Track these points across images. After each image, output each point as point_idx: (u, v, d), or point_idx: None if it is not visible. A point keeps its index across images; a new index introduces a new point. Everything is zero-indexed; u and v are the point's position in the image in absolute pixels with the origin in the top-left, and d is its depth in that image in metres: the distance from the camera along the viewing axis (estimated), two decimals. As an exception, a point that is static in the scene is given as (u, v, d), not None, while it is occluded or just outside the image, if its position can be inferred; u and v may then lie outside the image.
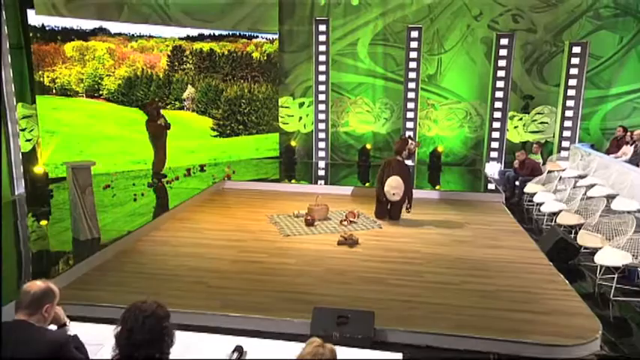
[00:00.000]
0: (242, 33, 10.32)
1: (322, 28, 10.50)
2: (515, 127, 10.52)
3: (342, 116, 11.04)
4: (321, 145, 10.92)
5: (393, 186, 6.65)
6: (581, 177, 7.53)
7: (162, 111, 8.53)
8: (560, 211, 6.34)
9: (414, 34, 10.29)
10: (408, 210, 6.88)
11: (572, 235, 5.79)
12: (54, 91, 8.34)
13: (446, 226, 6.61)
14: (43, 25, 8.05)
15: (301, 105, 11.13)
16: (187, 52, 9.67)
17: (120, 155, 9.06)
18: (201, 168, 9.42)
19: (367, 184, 8.91)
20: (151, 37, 9.23)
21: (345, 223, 6.62)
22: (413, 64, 10.43)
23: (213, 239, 6.00)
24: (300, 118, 11.17)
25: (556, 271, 5.07)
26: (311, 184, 9.10)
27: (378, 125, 10.97)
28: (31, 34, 7.94)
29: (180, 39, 9.57)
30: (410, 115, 10.61)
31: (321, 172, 10.38)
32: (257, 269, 5.12)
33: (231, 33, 10.18)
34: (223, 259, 5.36)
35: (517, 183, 8.20)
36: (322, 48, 10.58)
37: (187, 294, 4.54)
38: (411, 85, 10.51)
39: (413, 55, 10.40)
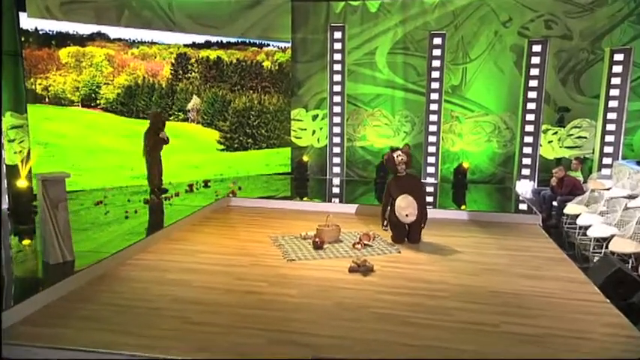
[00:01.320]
0: (252, 41, 9.69)
1: (338, 35, 9.81)
2: (549, 142, 9.59)
3: (359, 130, 10.26)
4: (336, 160, 10.14)
5: (403, 206, 5.81)
6: (631, 197, 6.58)
7: (165, 124, 7.89)
8: (613, 236, 5.41)
9: (437, 40, 9.53)
10: (422, 227, 6.06)
11: (629, 266, 4.86)
12: (47, 99, 7.76)
13: (475, 252, 5.73)
14: (36, 28, 7.51)
15: (315, 118, 10.40)
16: (192, 60, 9.06)
17: (118, 170, 8.41)
18: (205, 184, 8.71)
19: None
20: (153, 43, 8.64)
21: (359, 246, 5.78)
22: (436, 74, 9.64)
23: (208, 264, 5.22)
24: (314, 131, 10.43)
25: (616, 311, 4.14)
26: (324, 202, 8.27)
27: (398, 139, 10.15)
28: (22, 39, 7.40)
29: (185, 46, 8.96)
30: (432, 128, 9.79)
31: (336, 190, 9.58)
32: (251, 301, 4.31)
33: (240, 40, 9.55)
34: (215, 288, 4.57)
35: (554, 203, 7.27)
36: (338, 57, 9.88)
37: (161, 332, 3.75)
38: (434, 95, 9.71)
39: (436, 63, 9.62)
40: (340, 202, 8.47)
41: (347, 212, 7.50)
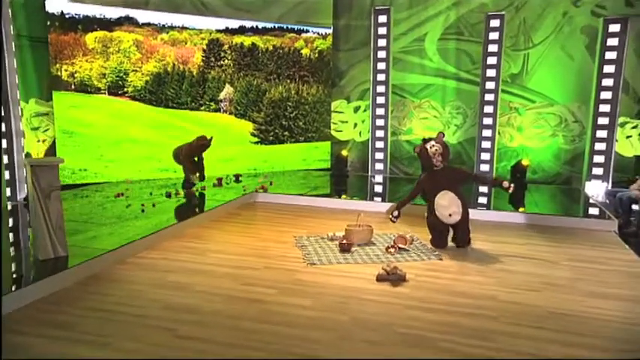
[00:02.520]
0: (290, 26, 9.04)
1: (382, 19, 8.99)
2: (627, 137, 8.35)
3: (404, 122, 9.39)
4: (379, 155, 9.32)
5: (445, 205, 4.93)
6: None
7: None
8: None
9: (495, 22, 8.51)
10: (509, 186, 5.15)
11: None
12: (72, 86, 7.43)
13: (533, 262, 4.79)
14: (62, 12, 7.19)
15: (356, 109, 9.63)
16: (226, 47, 8.52)
17: (146, 161, 7.99)
18: (237, 178, 8.14)
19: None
20: (184, 28, 8.17)
21: (392, 250, 4.98)
22: (492, 60, 8.63)
23: (217, 265, 4.59)
24: (355, 124, 9.66)
25: None
26: (364, 200, 7.48)
27: (448, 133, 9.19)
28: (48, 23, 7.10)
29: (218, 31, 8.43)
30: (487, 121, 8.77)
31: (378, 188, 8.77)
32: (255, 312, 3.63)
33: (277, 26, 8.93)
34: (217, 294, 3.93)
35: (635, 207, 6.15)
36: (382, 42, 9.06)
37: (142, 347, 3.13)
38: (490, 84, 8.69)
39: (492, 48, 8.60)
40: (383, 200, 7.65)
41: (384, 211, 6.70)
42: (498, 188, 5.28)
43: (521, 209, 7.00)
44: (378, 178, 9.18)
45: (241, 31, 8.60)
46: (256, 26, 8.73)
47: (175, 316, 3.54)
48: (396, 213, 5.25)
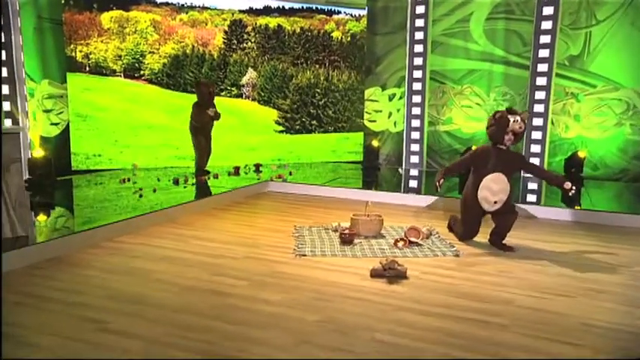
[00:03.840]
0: (319, 7, 8.43)
1: (421, -4, 8.19)
2: None
3: (443, 111, 8.51)
4: (414, 147, 8.49)
5: (495, 189, 4.09)
6: None
7: (215, 98, 6.97)
8: None
9: (548, -3, 7.52)
10: (571, 188, 4.23)
11: None
12: (87, 68, 7.18)
13: (574, 263, 3.88)
14: (77, -10, 6.96)
15: (391, 97, 8.85)
16: (249, 28, 8.02)
17: (163, 149, 7.61)
18: (257, 168, 7.58)
19: None
20: (204, 8, 7.75)
21: (401, 244, 4.22)
22: (546, 39, 7.62)
23: (195, 253, 4.02)
24: (390, 114, 8.88)
25: None
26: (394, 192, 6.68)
27: (493, 123, 8.23)
28: (63, 1, 6.88)
29: (241, 12, 7.95)
30: (538, 108, 7.75)
31: (413, 183, 7.95)
32: (209, 306, 3.01)
33: (305, 6, 8.34)
34: (177, 284, 3.35)
35: None
36: (420, 23, 8.25)
37: (56, 341, 2.60)
38: (542, 67, 7.68)
39: (546, 25, 7.60)
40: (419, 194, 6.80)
41: (414, 204, 5.94)
42: (556, 187, 4.37)
43: (576, 207, 5.99)
44: (414, 172, 8.36)
45: (266, 11, 8.07)
46: (282, 7, 8.18)
47: (115, 307, 2.99)
48: (442, 181, 4.38)
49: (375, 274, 3.52)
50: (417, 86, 8.37)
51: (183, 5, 7.58)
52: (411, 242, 4.27)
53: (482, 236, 4.40)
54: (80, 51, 7.10)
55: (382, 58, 8.96)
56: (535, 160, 7.85)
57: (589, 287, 3.35)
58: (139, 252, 4.00)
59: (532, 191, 7.18)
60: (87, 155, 7.22)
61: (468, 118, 8.36)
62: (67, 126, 7.13)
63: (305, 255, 3.98)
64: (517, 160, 4.33)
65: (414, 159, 8.51)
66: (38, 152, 5.96)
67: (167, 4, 7.50)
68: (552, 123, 7.81)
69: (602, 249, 4.27)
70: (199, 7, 7.69)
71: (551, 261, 3.92)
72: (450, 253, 4.09)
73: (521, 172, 4.82)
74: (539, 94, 7.71)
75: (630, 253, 4.18)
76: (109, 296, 3.15)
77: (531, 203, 5.98)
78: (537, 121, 7.77)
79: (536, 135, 7.78)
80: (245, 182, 6.68)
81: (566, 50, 7.83)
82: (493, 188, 4.10)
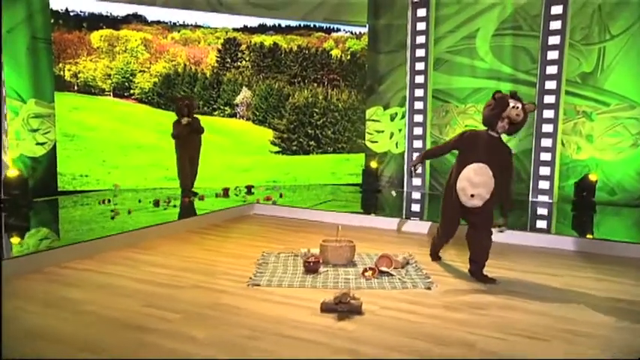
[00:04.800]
0: (317, 24, 8.19)
1: (422, 12, 7.87)
2: None
3: (446, 131, 8.07)
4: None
5: (475, 181, 3.60)
6: None
7: (195, 112, 6.72)
8: None
9: (557, 9, 7.09)
10: (501, 228, 3.77)
11: None
12: (76, 87, 7.07)
13: (563, 300, 3.39)
14: (67, 9, 6.89)
15: (393, 117, 8.48)
16: (243, 47, 7.83)
17: (152, 169, 7.41)
18: (249, 190, 7.28)
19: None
20: (197, 26, 7.60)
21: (369, 274, 3.81)
22: (553, 54, 7.16)
23: (140, 280, 3.69)
24: (392, 134, 8.49)
25: None
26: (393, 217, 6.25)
27: (500, 144, 7.76)
28: (52, 21, 6.83)
29: (235, 30, 7.78)
30: (547, 128, 7.26)
31: (416, 207, 7.50)
32: (121, 343, 2.66)
33: (302, 24, 8.11)
34: (99, 317, 3.01)
35: None
36: (421, 39, 7.91)
37: None
38: (550, 84, 7.21)
39: (553, 41, 7.15)
40: (422, 219, 6.33)
41: (414, 231, 5.52)
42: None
43: (588, 235, 5.45)
44: (416, 195, 7.90)
45: (261, 29, 7.88)
46: (279, 24, 7.98)
47: (12, 345, 2.67)
48: (417, 167, 3.96)
49: (325, 309, 3.12)
50: (418, 105, 7.99)
51: (175, 24, 7.46)
52: (381, 272, 3.85)
53: (464, 265, 3.95)
54: (69, 70, 7.00)
55: (385, 76, 8.63)
56: (545, 183, 7.34)
57: (568, 329, 2.87)
58: (80, 279, 3.70)
59: (541, 217, 6.65)
60: (73, 176, 7.07)
61: (472, 139, 7.89)
62: (54, 146, 6.99)
63: (258, 285, 3.60)
64: (504, 155, 3.69)
65: (417, 181, 8.06)
66: (12, 172, 5.79)
67: (159, 22, 7.38)
68: (563, 144, 7.29)
69: (600, 283, 3.76)
70: (192, 25, 7.55)
71: (535, 296, 3.43)
72: (421, 285, 3.65)
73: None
74: (548, 113, 7.22)
75: (631, 289, 3.66)
76: (18, 330, 2.83)
77: (537, 230, 5.45)
78: (546, 142, 7.26)
79: (545, 156, 7.26)
80: (232, 204, 6.37)
81: (578, 67, 7.34)
82: (473, 180, 3.60)
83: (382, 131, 8.57)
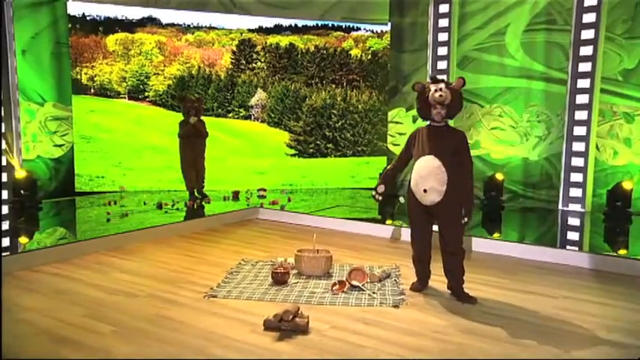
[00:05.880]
0: (336, 24, 7.93)
1: (444, 8, 7.43)
2: None
3: (470, 134, 7.58)
4: (438, 174, 7.60)
5: (423, 175, 3.27)
6: None
7: (202, 115, 6.66)
8: None
9: (590, 0, 6.47)
10: (465, 221, 3.37)
11: None
12: (92, 90, 7.20)
13: (540, 326, 2.97)
14: (83, 14, 7.03)
15: (415, 119, 8.07)
16: (258, 48, 7.69)
17: (166, 171, 7.42)
18: (261, 193, 7.13)
19: (496, 236, 5.36)
20: (211, 28, 7.55)
21: (336, 288, 3.53)
22: (586, 50, 6.55)
23: (98, 287, 3.59)
24: (414, 136, 8.08)
25: None
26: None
27: (527, 147, 7.20)
28: (69, 26, 6.98)
29: (250, 31, 7.66)
30: (579, 130, 6.65)
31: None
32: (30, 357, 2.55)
33: (320, 24, 7.88)
34: (32, 326, 2.92)
35: None
36: (443, 37, 7.47)
37: None
38: (583, 83, 6.59)
39: (587, 35, 6.54)
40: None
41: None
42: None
43: (621, 251, 4.89)
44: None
45: (277, 30, 7.72)
46: (295, 24, 7.79)
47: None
48: (381, 188, 3.58)
49: (268, 326, 2.88)
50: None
51: (189, 26, 7.44)
52: (353, 286, 3.56)
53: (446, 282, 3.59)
54: (85, 73, 7.14)
55: (409, 76, 8.24)
56: (577, 191, 6.72)
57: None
58: (43, 285, 3.65)
59: (573, 228, 6.09)
60: (90, 177, 7.19)
61: (497, 142, 7.38)
62: (72, 148, 7.15)
63: (214, 296, 3.41)
64: (454, 140, 3.31)
65: (438, 187, 7.61)
66: (21, 173, 5.93)
67: (173, 24, 7.39)
68: (597, 148, 6.64)
69: (598, 308, 3.28)
70: (206, 27, 7.50)
71: (513, 323, 3.02)
72: (390, 302, 3.32)
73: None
74: (580, 114, 6.61)
75: (625, 314, 3.16)
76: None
77: (547, 244, 4.95)
78: (578, 146, 6.65)
79: (577, 162, 6.65)
80: (237, 208, 6.24)
81: (618, 63, 6.67)
82: (421, 173, 3.28)
83: (404, 133, 8.18)
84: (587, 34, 6.52)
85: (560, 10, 7.05)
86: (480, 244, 4.79)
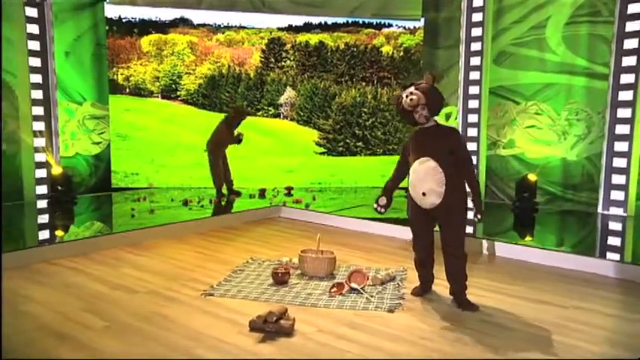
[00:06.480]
0: (367, 21, 7.81)
1: (478, 2, 7.16)
2: None
3: (504, 132, 7.28)
4: (470, 174, 7.35)
5: (420, 177, 3.16)
6: None
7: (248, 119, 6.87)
8: None
9: (634, -10, 6.06)
10: (478, 218, 3.30)
11: None
12: (127, 90, 7.44)
13: (536, 336, 2.80)
14: (119, 17, 7.28)
15: (448, 117, 7.84)
16: (288, 46, 7.70)
17: (197, 168, 7.57)
18: (288, 191, 7.17)
19: (526, 240, 5.16)
20: (241, 27, 7.62)
21: (334, 291, 3.47)
22: (631, 43, 6.13)
23: (104, 282, 3.70)
24: (446, 135, 7.85)
25: None
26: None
27: (565, 147, 6.84)
28: (107, 28, 7.25)
29: (279, 29, 7.68)
30: (622, 129, 6.24)
31: (470, 214, 6.84)
32: (22, 349, 2.65)
33: (350, 21, 7.79)
34: (33, 319, 3.05)
35: None
36: (477, 32, 7.20)
37: None
38: (627, 78, 6.18)
39: (632, 26, 6.12)
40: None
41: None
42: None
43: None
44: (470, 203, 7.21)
45: (307, 28, 7.70)
46: (325, 22, 7.73)
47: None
48: (383, 201, 3.49)
49: (253, 327, 2.87)
50: (473, 104, 7.29)
51: (219, 25, 7.55)
52: (352, 289, 3.50)
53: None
54: (121, 74, 7.39)
55: (445, 73, 8.00)
56: (619, 193, 6.32)
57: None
58: (56, 277, 3.80)
59: (615, 233, 5.73)
60: (125, 173, 7.45)
61: (533, 141, 7.05)
62: (108, 145, 7.43)
63: (212, 295, 3.44)
64: (448, 139, 3.18)
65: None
66: (57, 170, 6.22)
67: (204, 25, 7.52)
68: (642, 148, 6.21)
69: (603, 320, 3.06)
70: (236, 26, 7.59)
71: (511, 329, 2.87)
72: (386, 306, 3.24)
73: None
74: (623, 112, 6.21)
75: (631, 328, 2.93)
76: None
77: (622, 259, 4.69)
78: (621, 146, 6.25)
79: (620, 162, 6.25)
80: (260, 206, 6.29)
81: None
82: (419, 175, 3.17)
83: (437, 132, 7.96)
84: (633, 25, 6.10)
85: (606, 1, 6.65)
86: (500, 249, 4.60)
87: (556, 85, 7.04)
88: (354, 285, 3.51)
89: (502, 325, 2.97)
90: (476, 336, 2.82)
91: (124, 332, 2.86)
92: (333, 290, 3.47)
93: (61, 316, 3.06)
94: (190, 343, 2.73)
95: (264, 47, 7.69)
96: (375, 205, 3.51)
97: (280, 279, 3.66)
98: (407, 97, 3.13)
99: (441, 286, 3.48)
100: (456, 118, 7.68)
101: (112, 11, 7.22)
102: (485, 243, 4.70)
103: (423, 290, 3.49)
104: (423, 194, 3.15)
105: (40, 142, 6.49)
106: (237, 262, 4.26)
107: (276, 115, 7.80)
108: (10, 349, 2.61)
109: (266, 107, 7.74)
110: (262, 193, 6.96)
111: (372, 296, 3.41)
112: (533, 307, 3.29)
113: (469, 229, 4.85)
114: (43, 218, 5.87)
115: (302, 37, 7.74)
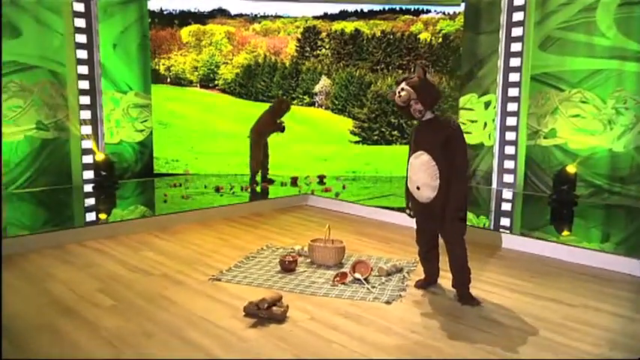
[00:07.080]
0: (404, 7, 7.66)
1: (519, -16, 6.86)
2: None
3: (546, 121, 6.95)
4: (508, 164, 7.12)
5: (415, 170, 3.12)
6: None
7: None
8: None
9: (689, -31, 5.59)
10: (462, 217, 3.16)
11: None
12: (168, 79, 7.71)
13: (536, 336, 2.71)
14: (161, 9, 7.53)
15: (487, 105, 7.58)
16: (323, 35, 7.69)
17: (234, 156, 7.77)
18: (321, 180, 7.22)
19: (564, 235, 5.01)
20: (277, 17, 7.68)
21: (337, 280, 3.50)
22: (684, 26, 5.68)
23: (123, 264, 3.91)
24: (485, 124, 7.62)
25: None
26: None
27: (611, 137, 6.46)
28: (149, 20, 7.53)
29: (315, 18, 7.67)
30: (672, 119, 5.82)
31: (506, 206, 6.67)
32: (37, 325, 2.87)
33: (387, 8, 7.66)
34: (46, 294, 3.28)
35: None
36: (518, 17, 6.90)
37: None
38: (679, 63, 5.74)
39: (686, 8, 5.67)
40: (508, 229, 5.58)
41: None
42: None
43: None
44: (507, 194, 7.01)
45: (342, 16, 7.65)
46: (361, 10, 7.65)
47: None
48: (409, 205, 3.42)
49: (247, 312, 2.96)
50: (513, 92, 7.02)
51: (256, 15, 7.65)
52: (355, 279, 3.51)
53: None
54: (163, 64, 7.66)
55: (486, 60, 7.75)
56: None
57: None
58: (81, 258, 4.05)
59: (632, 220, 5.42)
60: (166, 160, 7.75)
61: (576, 131, 6.70)
62: (151, 132, 7.76)
63: (219, 279, 3.56)
64: (445, 132, 3.07)
65: (508, 178, 7.14)
66: (100, 156, 6.57)
67: (241, 15, 7.64)
68: (695, 139, 5.78)
69: (609, 319, 2.91)
70: (272, 16, 7.66)
71: (508, 327, 2.80)
72: (385, 298, 3.23)
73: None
74: (675, 100, 5.77)
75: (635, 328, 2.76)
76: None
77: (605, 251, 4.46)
78: (670, 136, 5.82)
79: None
80: (290, 194, 6.39)
81: None
82: (413, 170, 3.16)
83: (475, 121, 7.74)
84: (686, 6, 5.64)
85: (663, -21, 6.19)
86: (519, 243, 4.45)
87: (605, 71, 6.65)
88: (357, 275, 3.52)
89: (500, 323, 2.89)
90: (468, 332, 2.77)
91: (127, 310, 3.03)
92: (336, 279, 3.50)
93: (75, 294, 3.27)
94: (184, 324, 2.85)
95: (299, 36, 7.73)
96: (407, 211, 3.47)
97: (287, 267, 3.72)
98: (400, 92, 3.07)
99: (448, 279, 3.42)
100: (494, 107, 7.44)
101: (154, 3, 7.47)
102: (503, 237, 4.56)
103: (427, 283, 3.45)
104: (418, 188, 3.11)
105: (86, 129, 6.87)
106: (252, 248, 4.37)
107: (312, 104, 7.84)
108: (17, 318, 2.82)
109: (301, 96, 7.79)
110: (294, 181, 7.05)
111: (373, 287, 3.41)
112: (540, 304, 3.17)
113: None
114: (86, 202, 6.24)
115: (337, 26, 7.70)
